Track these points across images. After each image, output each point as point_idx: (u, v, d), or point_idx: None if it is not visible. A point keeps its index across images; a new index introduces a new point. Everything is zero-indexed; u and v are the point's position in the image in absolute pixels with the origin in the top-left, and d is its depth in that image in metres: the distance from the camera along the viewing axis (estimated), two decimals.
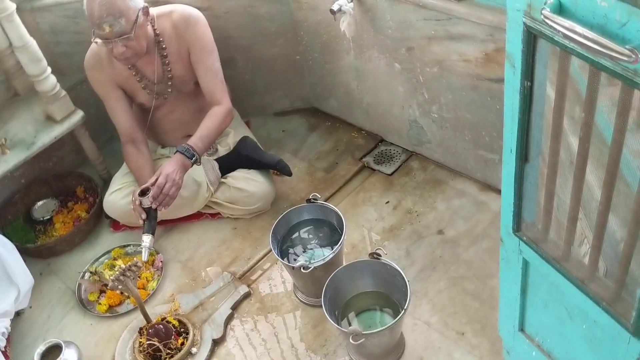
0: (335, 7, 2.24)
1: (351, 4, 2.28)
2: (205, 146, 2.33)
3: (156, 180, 2.22)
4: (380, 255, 1.96)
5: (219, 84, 2.38)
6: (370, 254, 1.98)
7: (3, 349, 2.08)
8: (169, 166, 2.23)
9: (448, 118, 2.38)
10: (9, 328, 2.16)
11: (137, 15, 2.12)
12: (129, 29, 2.10)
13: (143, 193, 2.23)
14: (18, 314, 2.31)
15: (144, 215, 2.24)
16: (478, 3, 1.99)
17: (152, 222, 2.26)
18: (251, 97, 2.92)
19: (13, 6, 2.23)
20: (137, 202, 2.23)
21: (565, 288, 1.21)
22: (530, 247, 1.29)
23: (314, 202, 2.20)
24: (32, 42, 2.34)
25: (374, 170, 2.66)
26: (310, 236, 2.29)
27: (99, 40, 2.12)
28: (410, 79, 2.38)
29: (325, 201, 2.33)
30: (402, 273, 1.92)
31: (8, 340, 2.16)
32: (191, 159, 2.27)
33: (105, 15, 2.05)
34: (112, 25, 2.07)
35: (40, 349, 2.08)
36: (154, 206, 2.23)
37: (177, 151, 2.28)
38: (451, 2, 2.04)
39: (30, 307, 2.37)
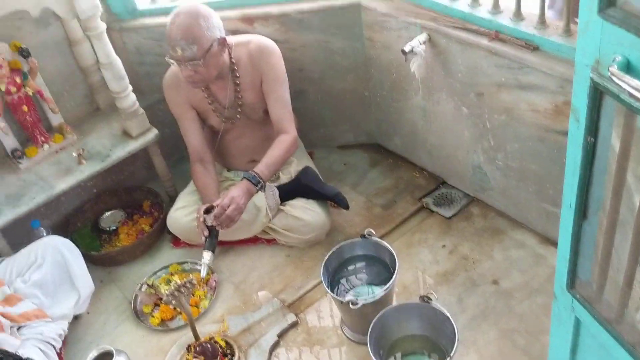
0: (407, 48, 2.28)
1: (423, 46, 2.30)
2: (270, 173, 2.40)
3: (221, 201, 2.29)
4: (431, 300, 1.94)
5: (287, 114, 2.45)
6: (421, 297, 1.96)
7: (58, 351, 2.17)
8: (235, 190, 2.30)
9: (513, 167, 2.35)
10: (67, 330, 2.25)
11: (211, 45, 2.22)
12: (199, 56, 2.20)
13: (207, 211, 2.30)
14: (76, 317, 2.41)
15: (206, 233, 2.30)
16: (551, 54, 1.98)
17: (214, 240, 2.32)
18: (317, 129, 2.98)
19: (104, 26, 2.38)
20: (201, 219, 2.30)
21: (615, 351, 1.17)
22: (583, 305, 1.26)
23: (368, 238, 2.20)
24: (117, 61, 2.48)
25: (433, 212, 2.64)
26: (362, 272, 2.30)
27: (168, 59, 2.24)
28: (477, 124, 2.38)
29: (380, 238, 2.33)
30: (452, 320, 1.89)
31: (64, 342, 2.25)
32: (257, 186, 2.34)
33: (179, 39, 2.17)
34: (184, 50, 2.18)
35: (93, 354, 2.16)
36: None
37: (243, 177, 2.36)
38: (524, 51, 2.03)
39: (88, 313, 2.47)
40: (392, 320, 1.99)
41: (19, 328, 2.08)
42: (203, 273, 2.27)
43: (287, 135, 2.44)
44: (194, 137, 2.54)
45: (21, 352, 1.98)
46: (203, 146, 2.56)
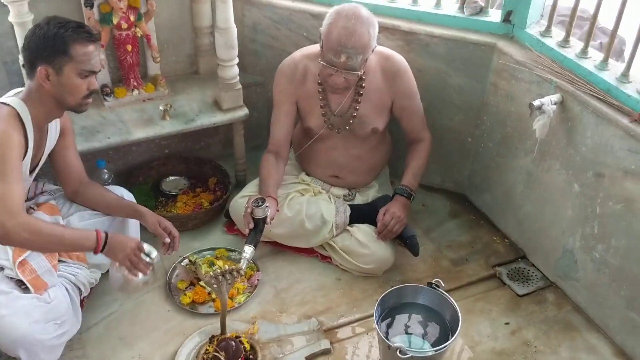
0: (536, 103, 2.08)
1: (554, 107, 2.11)
2: (417, 182, 2.43)
3: (383, 215, 2.32)
4: None
5: (422, 123, 2.45)
6: None
7: (82, 298, 2.05)
8: (393, 206, 2.33)
9: (610, 264, 2.11)
10: (97, 280, 2.14)
11: (370, 54, 2.16)
12: (359, 66, 2.12)
13: (258, 204, 2.15)
14: (109, 271, 2.29)
15: (251, 225, 2.17)
16: None
17: (258, 234, 2.18)
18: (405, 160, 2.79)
19: None
20: (249, 210, 2.16)
21: None
22: None
23: (435, 289, 2.00)
24: (234, 29, 2.39)
25: (504, 284, 2.41)
26: (417, 322, 2.08)
27: (323, 63, 2.13)
28: (586, 206, 2.15)
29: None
30: None
31: (90, 292, 2.13)
32: (410, 198, 2.38)
33: (349, 46, 2.06)
34: (349, 58, 2.08)
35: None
36: (378, 237, 2.33)
37: (395, 193, 2.39)
38: None
39: None
40: None
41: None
42: (243, 266, 2.11)
43: (424, 143, 2.46)
44: (281, 129, 2.41)
45: (50, 286, 1.87)
46: (286, 142, 2.44)
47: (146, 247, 1.96)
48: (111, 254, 1.90)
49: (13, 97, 1.83)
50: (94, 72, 1.85)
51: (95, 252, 1.87)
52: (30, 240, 1.74)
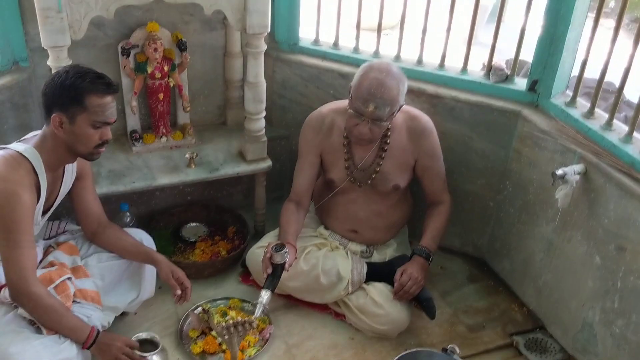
0: (559, 172, 2.08)
1: (577, 177, 2.10)
2: (436, 244, 2.42)
3: (400, 275, 2.29)
4: None
5: (443, 184, 2.46)
6: None
7: None
8: (411, 267, 2.31)
9: (631, 340, 2.05)
10: (110, 323, 2.14)
11: (397, 109, 2.20)
12: (385, 118, 2.16)
13: (277, 249, 2.16)
14: (122, 314, 2.30)
15: (269, 270, 2.17)
16: None
17: (276, 280, 2.17)
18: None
19: (264, 47, 2.36)
20: (268, 255, 2.17)
21: None
22: None
23: (450, 355, 1.96)
24: (263, 84, 2.44)
25: (521, 354, 2.35)
26: None
27: (351, 111, 2.17)
28: (607, 279, 2.11)
29: None
30: None
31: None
32: (428, 260, 2.35)
33: (378, 96, 2.11)
34: (377, 108, 2.12)
35: (139, 335, 2.07)
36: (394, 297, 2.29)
37: (414, 253, 2.37)
38: None
39: (135, 314, 2.35)
40: None
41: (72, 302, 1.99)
42: (257, 312, 2.11)
43: (444, 205, 2.46)
44: (304, 180, 2.45)
45: None
46: (307, 192, 2.47)
47: (146, 335, 2.06)
48: (98, 353, 1.92)
49: (28, 146, 1.86)
50: (108, 124, 1.86)
51: (83, 347, 1.89)
52: (31, 311, 1.83)
